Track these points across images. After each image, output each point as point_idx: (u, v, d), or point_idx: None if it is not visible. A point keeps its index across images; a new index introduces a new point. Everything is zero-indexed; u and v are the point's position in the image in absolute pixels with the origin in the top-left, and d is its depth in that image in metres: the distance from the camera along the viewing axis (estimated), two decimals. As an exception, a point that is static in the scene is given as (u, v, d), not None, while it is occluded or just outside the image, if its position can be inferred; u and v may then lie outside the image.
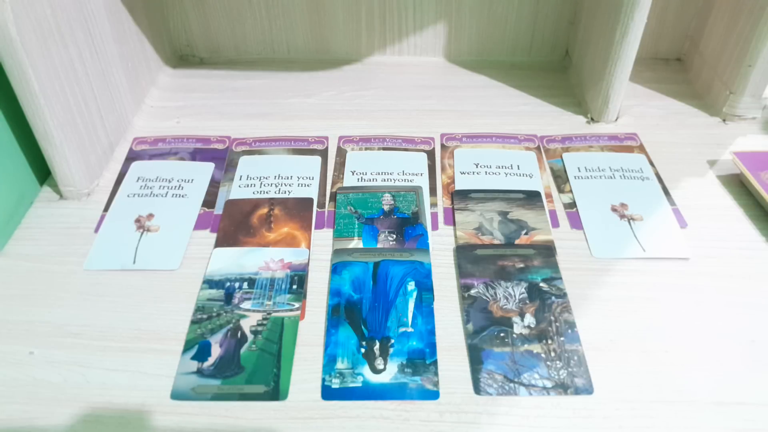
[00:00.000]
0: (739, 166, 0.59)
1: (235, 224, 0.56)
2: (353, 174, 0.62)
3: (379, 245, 0.53)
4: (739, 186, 0.60)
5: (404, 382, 0.43)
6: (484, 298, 0.49)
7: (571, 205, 0.58)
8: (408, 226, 0.55)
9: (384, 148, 0.65)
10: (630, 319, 0.48)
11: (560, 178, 0.61)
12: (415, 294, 0.49)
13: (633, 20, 0.60)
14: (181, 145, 0.66)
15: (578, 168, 0.62)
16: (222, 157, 0.64)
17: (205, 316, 0.47)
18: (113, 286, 0.50)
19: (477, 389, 0.42)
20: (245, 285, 0.50)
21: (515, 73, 0.78)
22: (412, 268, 0.51)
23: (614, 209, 0.57)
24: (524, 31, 0.78)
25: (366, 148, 0.65)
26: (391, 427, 0.41)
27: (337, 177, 0.61)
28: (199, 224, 0.56)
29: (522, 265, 0.51)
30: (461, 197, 0.58)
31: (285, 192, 0.59)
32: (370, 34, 0.79)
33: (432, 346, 0.45)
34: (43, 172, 0.60)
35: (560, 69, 0.79)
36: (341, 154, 0.64)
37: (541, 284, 0.49)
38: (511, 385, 0.43)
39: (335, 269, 0.51)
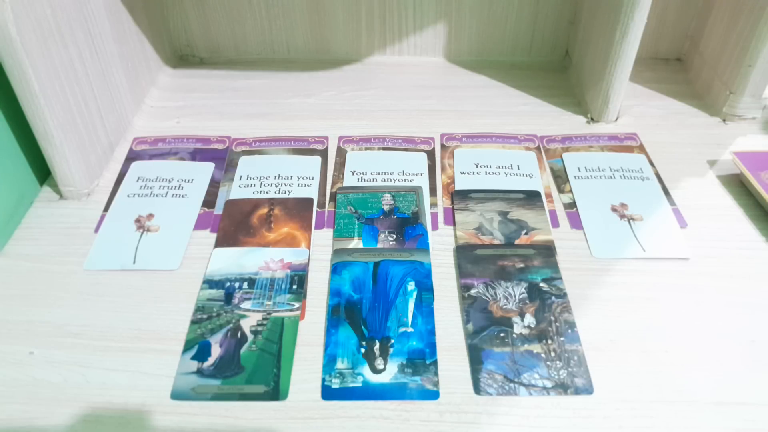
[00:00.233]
0: (739, 166, 0.59)
1: (235, 224, 0.56)
2: (353, 174, 0.62)
3: (379, 245, 0.53)
4: (739, 186, 0.60)
5: (404, 382, 0.43)
6: (484, 298, 0.49)
7: (571, 205, 0.58)
8: (408, 226, 0.55)
9: (384, 148, 0.65)
10: (630, 319, 0.48)
11: (560, 178, 0.61)
12: (415, 294, 0.49)
13: (633, 20, 0.60)
14: (181, 145, 0.66)
15: (578, 168, 0.62)
16: (222, 157, 0.64)
17: (205, 316, 0.47)
18: (113, 286, 0.50)
19: (477, 389, 0.42)
20: (245, 285, 0.50)
21: (515, 73, 0.78)
22: (412, 268, 0.51)
23: (614, 209, 0.57)
24: (524, 31, 0.78)
25: (366, 148, 0.65)
26: (391, 427, 0.41)
27: (337, 177, 0.61)
28: (199, 224, 0.56)
29: (522, 265, 0.51)
30: (461, 197, 0.58)
31: (285, 192, 0.59)
32: (370, 34, 0.79)
33: (432, 346, 0.45)
34: (43, 172, 0.60)
35: (560, 69, 0.79)
36: (341, 154, 0.64)
37: (541, 284, 0.49)
38: (511, 385, 0.43)
39: (335, 269, 0.51)
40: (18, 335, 0.47)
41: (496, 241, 0.54)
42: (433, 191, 0.60)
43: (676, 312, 0.48)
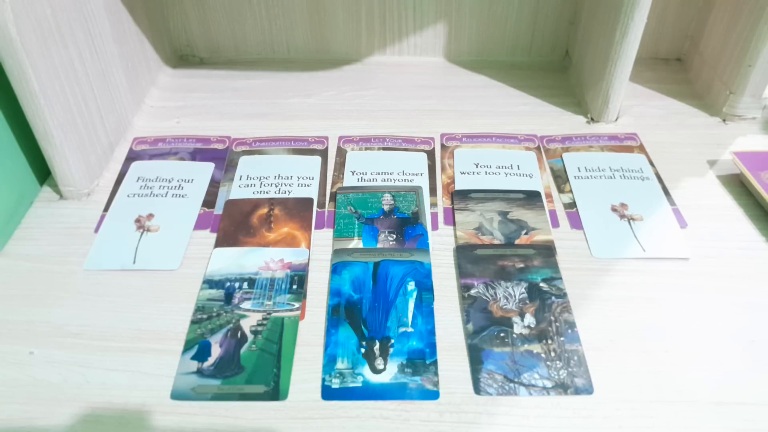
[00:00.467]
0: (739, 166, 0.59)
1: (235, 224, 0.56)
2: (353, 174, 0.62)
3: (379, 245, 0.53)
4: (739, 186, 0.60)
5: (404, 382, 0.43)
6: (484, 298, 0.49)
7: (571, 205, 0.58)
8: (408, 226, 0.55)
9: (384, 148, 0.65)
10: (630, 319, 0.48)
11: (560, 178, 0.61)
12: (415, 294, 0.49)
13: (633, 20, 0.60)
14: (181, 145, 0.66)
15: (578, 168, 0.62)
16: (222, 157, 0.64)
17: (205, 316, 0.47)
18: (113, 286, 0.50)
19: (477, 389, 0.42)
20: (245, 285, 0.50)
21: (515, 73, 0.78)
22: (412, 268, 0.51)
23: (614, 209, 0.57)
24: (524, 31, 0.78)
25: (366, 148, 0.65)
26: (391, 427, 0.41)
27: (337, 177, 0.61)
28: (199, 224, 0.56)
29: (522, 265, 0.51)
30: (461, 197, 0.58)
31: (285, 192, 0.59)
32: (370, 34, 0.79)
33: (432, 346, 0.45)
34: (43, 172, 0.60)
35: (560, 69, 0.79)
36: (341, 154, 0.64)
37: (541, 284, 0.49)
38: (511, 385, 0.43)
39: (335, 269, 0.51)
40: (18, 335, 0.47)
41: (496, 241, 0.54)
42: (433, 191, 0.60)
43: (676, 312, 0.48)
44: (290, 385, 0.43)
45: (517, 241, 0.54)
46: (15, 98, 0.52)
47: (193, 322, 0.47)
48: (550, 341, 0.45)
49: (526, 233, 0.54)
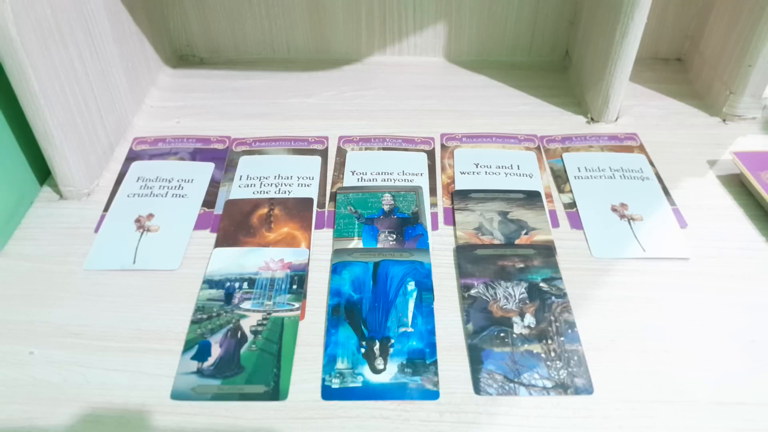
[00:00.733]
0: (739, 166, 0.59)
1: (235, 224, 0.56)
2: (353, 174, 0.62)
3: (379, 245, 0.53)
4: (739, 186, 0.60)
5: (404, 382, 0.43)
6: (484, 298, 0.49)
7: (571, 205, 0.58)
8: (408, 226, 0.55)
9: (384, 148, 0.65)
10: (630, 319, 0.48)
11: (560, 178, 0.61)
12: (415, 294, 0.49)
13: (633, 20, 0.60)
14: (181, 145, 0.66)
15: (578, 168, 0.62)
16: (222, 157, 0.64)
17: (205, 316, 0.47)
18: (113, 286, 0.50)
19: (477, 389, 0.42)
20: (245, 285, 0.50)
21: (515, 73, 0.78)
22: (412, 268, 0.51)
23: (614, 209, 0.57)
24: (524, 31, 0.78)
25: (366, 148, 0.65)
26: (391, 427, 0.41)
27: (337, 177, 0.61)
28: (199, 224, 0.56)
29: (522, 265, 0.51)
30: (461, 197, 0.58)
31: (285, 192, 0.59)
32: (370, 34, 0.79)
33: (432, 346, 0.45)
34: (43, 172, 0.60)
35: (560, 69, 0.79)
36: (341, 154, 0.64)
37: (541, 284, 0.49)
38: (511, 385, 0.43)
39: (335, 269, 0.51)
40: (18, 335, 0.47)
41: (496, 241, 0.54)
42: (433, 191, 0.60)
43: (676, 312, 0.48)
44: (290, 385, 0.43)
45: (517, 241, 0.54)
46: (15, 98, 0.52)
47: (193, 322, 0.47)
48: (550, 341, 0.45)
49: (526, 233, 0.55)
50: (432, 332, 0.46)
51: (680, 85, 0.75)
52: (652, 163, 0.63)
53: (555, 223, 0.56)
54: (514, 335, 0.46)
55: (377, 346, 0.45)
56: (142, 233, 0.55)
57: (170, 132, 0.68)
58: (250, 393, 0.42)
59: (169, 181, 0.61)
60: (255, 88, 0.76)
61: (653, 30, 0.77)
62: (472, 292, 0.49)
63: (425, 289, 0.49)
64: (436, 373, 0.43)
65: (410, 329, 0.46)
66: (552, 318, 0.47)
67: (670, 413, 0.41)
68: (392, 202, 0.58)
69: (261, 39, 0.79)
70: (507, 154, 0.64)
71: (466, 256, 0.52)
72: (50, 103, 0.53)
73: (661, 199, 0.58)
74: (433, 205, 0.58)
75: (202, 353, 0.45)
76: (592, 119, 0.70)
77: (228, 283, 0.50)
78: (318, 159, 0.64)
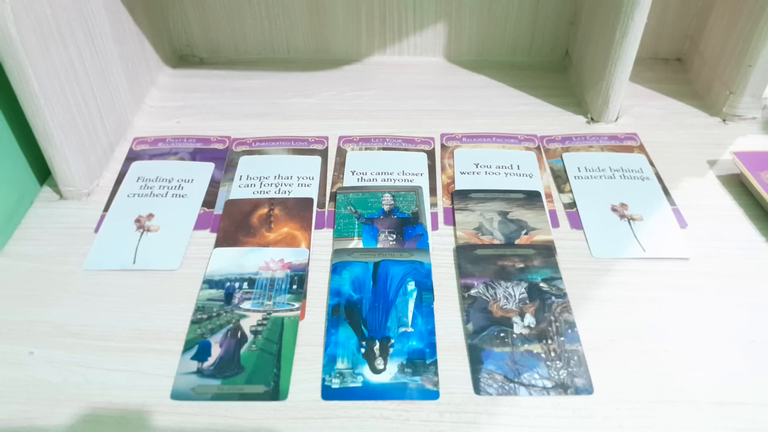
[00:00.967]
0: (739, 166, 0.59)
1: (235, 224, 0.56)
2: (353, 174, 0.62)
3: (379, 245, 0.53)
4: (739, 186, 0.60)
5: (404, 382, 0.43)
6: (484, 298, 0.49)
7: (571, 205, 0.58)
8: (408, 226, 0.55)
9: (384, 148, 0.65)
10: (630, 319, 0.48)
11: (560, 178, 0.61)
12: (415, 294, 0.49)
13: (633, 20, 0.60)
14: (181, 145, 0.66)
15: (578, 168, 0.62)
16: (222, 157, 0.64)
17: (205, 316, 0.47)
18: (113, 286, 0.50)
19: (477, 389, 0.42)
20: (245, 285, 0.50)
21: (515, 73, 0.78)
22: (412, 268, 0.51)
23: (614, 209, 0.57)
24: (524, 31, 0.78)
25: (366, 148, 0.65)
26: (391, 427, 0.41)
27: (337, 177, 0.61)
28: (199, 224, 0.56)
29: (522, 265, 0.51)
30: (461, 197, 0.58)
31: (285, 192, 0.59)
32: (370, 34, 0.79)
33: (432, 346, 0.45)
34: (43, 172, 0.60)
35: (560, 69, 0.79)
36: (341, 154, 0.64)
37: (541, 284, 0.49)
38: (511, 385, 0.43)
39: (335, 269, 0.51)
40: (18, 335, 0.47)
41: (496, 241, 0.54)
42: (433, 191, 0.60)
43: (676, 312, 0.48)
44: (290, 385, 0.43)
45: (517, 241, 0.54)
46: (15, 98, 0.52)
47: (193, 322, 0.47)
48: (550, 341, 0.45)
49: (526, 233, 0.54)
50: (432, 332, 0.46)
51: (680, 85, 0.75)
52: (652, 163, 0.63)
53: (555, 223, 0.56)
54: (514, 335, 0.46)
55: (377, 346, 0.45)
56: (142, 233, 0.55)
57: (170, 132, 0.68)
58: (250, 393, 0.42)
59: (169, 181, 0.61)
60: (255, 88, 0.76)
61: (653, 30, 0.77)
62: (472, 292, 0.49)
63: (425, 289, 0.49)
64: (436, 373, 0.43)
65: (410, 329, 0.46)
66: (552, 318, 0.47)
67: (670, 413, 0.41)
68: (392, 202, 0.58)
69: (261, 39, 0.79)
70: (507, 154, 0.64)
71: (466, 256, 0.52)
72: (50, 103, 0.53)
73: (661, 199, 0.58)
74: (433, 205, 0.58)
75: (202, 353, 0.45)
76: (592, 119, 0.70)
77: (228, 283, 0.50)
78: (318, 159, 0.64)
